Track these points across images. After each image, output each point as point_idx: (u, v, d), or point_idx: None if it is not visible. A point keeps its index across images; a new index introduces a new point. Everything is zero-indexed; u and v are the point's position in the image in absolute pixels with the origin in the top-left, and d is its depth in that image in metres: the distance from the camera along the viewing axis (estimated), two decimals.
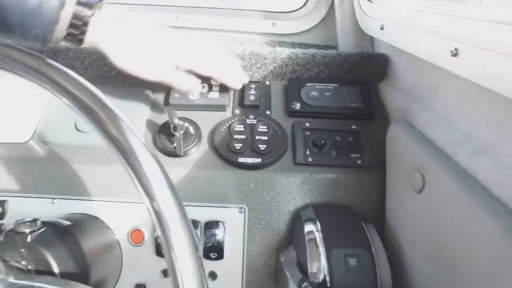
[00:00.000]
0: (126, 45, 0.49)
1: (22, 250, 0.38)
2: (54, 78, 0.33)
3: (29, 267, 0.37)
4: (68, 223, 0.45)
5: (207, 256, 0.49)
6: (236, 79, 0.57)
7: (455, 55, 0.36)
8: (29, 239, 0.38)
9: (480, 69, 0.33)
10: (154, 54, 0.50)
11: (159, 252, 0.50)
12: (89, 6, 0.45)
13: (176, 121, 0.50)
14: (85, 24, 0.45)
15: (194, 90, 0.55)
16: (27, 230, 0.39)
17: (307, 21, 0.78)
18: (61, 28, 0.44)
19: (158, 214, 0.27)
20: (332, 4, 0.76)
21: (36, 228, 0.40)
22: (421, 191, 0.42)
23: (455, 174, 0.36)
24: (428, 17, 0.43)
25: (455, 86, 0.42)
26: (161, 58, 0.51)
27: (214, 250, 0.49)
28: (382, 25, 0.55)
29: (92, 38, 0.47)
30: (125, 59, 0.49)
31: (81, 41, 0.46)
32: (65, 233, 0.43)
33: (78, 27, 0.45)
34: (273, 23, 0.79)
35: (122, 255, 0.51)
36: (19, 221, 0.40)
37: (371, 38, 0.69)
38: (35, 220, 0.40)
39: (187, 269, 0.26)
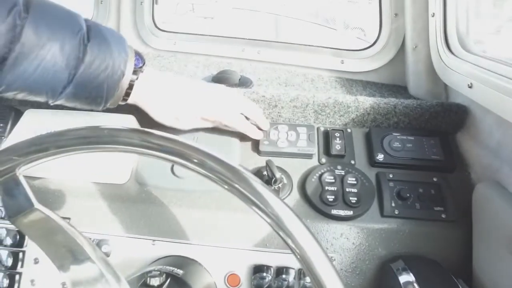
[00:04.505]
0: (158, 101, 0.57)
1: None
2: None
3: None
4: (181, 272, 0.48)
5: None
6: (257, 131, 0.62)
7: None
8: None
9: None
10: (181, 108, 0.58)
11: None
12: (134, 71, 0.52)
13: (278, 175, 0.52)
14: (131, 87, 0.53)
15: None
16: (156, 284, 0.43)
17: (376, 61, 0.80)
18: (120, 94, 0.52)
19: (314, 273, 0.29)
20: (403, 45, 0.77)
21: (163, 281, 0.43)
22: None
23: None
24: None
25: None
26: (188, 111, 0.58)
27: None
28: (471, 84, 0.57)
29: (134, 98, 0.55)
30: (158, 113, 0.58)
31: (125, 100, 0.55)
32: (183, 284, 0.46)
33: (127, 91, 0.53)
34: (342, 60, 0.81)
35: None
36: (149, 274, 0.43)
37: (445, 84, 0.71)
38: (161, 273, 0.44)
39: None
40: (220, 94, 0.60)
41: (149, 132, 0.32)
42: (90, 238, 0.57)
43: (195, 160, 0.31)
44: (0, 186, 0.34)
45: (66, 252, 0.34)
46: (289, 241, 0.30)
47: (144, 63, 0.55)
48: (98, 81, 0.49)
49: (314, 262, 0.30)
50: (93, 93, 0.50)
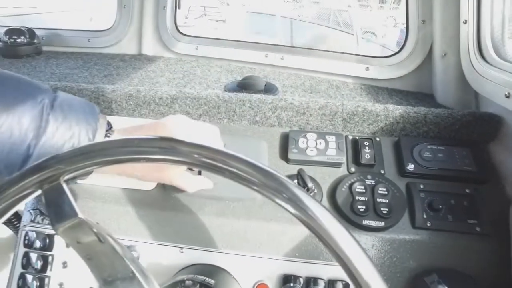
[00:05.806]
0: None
1: None
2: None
3: None
4: (213, 281, 0.48)
5: None
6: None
7: None
8: None
9: None
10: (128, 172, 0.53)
11: None
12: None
13: (310, 184, 0.52)
14: None
15: None
16: None
17: (401, 68, 0.79)
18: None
19: None
20: (430, 53, 0.76)
21: None
22: None
23: None
24: None
25: None
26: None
27: None
28: (509, 93, 0.55)
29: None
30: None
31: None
32: None
33: None
34: (367, 67, 0.80)
35: None
36: (183, 284, 0.43)
37: (476, 91, 0.69)
38: (195, 283, 0.43)
39: None
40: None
41: (194, 144, 0.32)
42: None
43: (237, 170, 0.31)
44: (44, 195, 0.34)
45: (108, 265, 0.34)
46: (338, 253, 0.29)
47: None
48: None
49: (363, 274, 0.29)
50: None
